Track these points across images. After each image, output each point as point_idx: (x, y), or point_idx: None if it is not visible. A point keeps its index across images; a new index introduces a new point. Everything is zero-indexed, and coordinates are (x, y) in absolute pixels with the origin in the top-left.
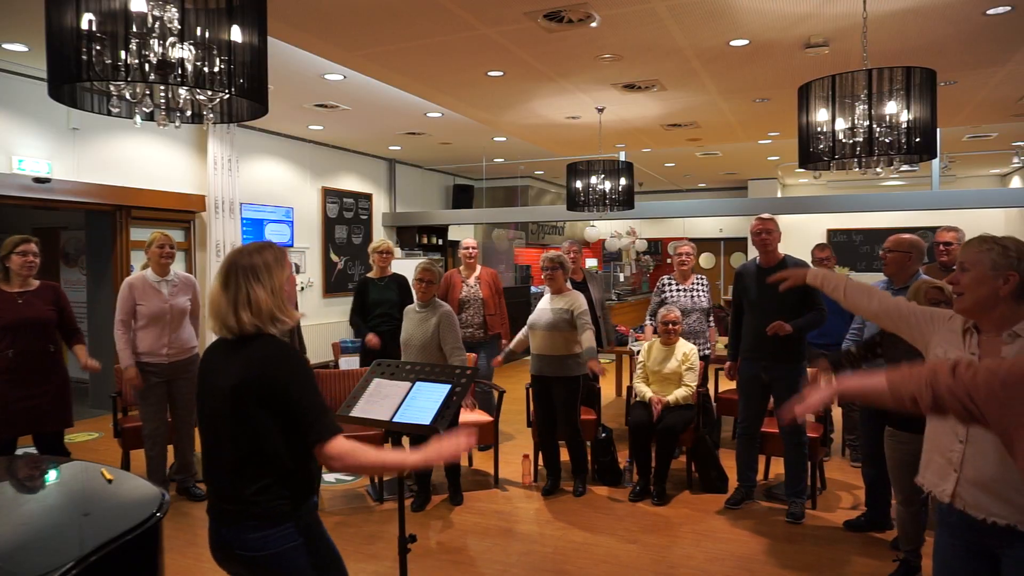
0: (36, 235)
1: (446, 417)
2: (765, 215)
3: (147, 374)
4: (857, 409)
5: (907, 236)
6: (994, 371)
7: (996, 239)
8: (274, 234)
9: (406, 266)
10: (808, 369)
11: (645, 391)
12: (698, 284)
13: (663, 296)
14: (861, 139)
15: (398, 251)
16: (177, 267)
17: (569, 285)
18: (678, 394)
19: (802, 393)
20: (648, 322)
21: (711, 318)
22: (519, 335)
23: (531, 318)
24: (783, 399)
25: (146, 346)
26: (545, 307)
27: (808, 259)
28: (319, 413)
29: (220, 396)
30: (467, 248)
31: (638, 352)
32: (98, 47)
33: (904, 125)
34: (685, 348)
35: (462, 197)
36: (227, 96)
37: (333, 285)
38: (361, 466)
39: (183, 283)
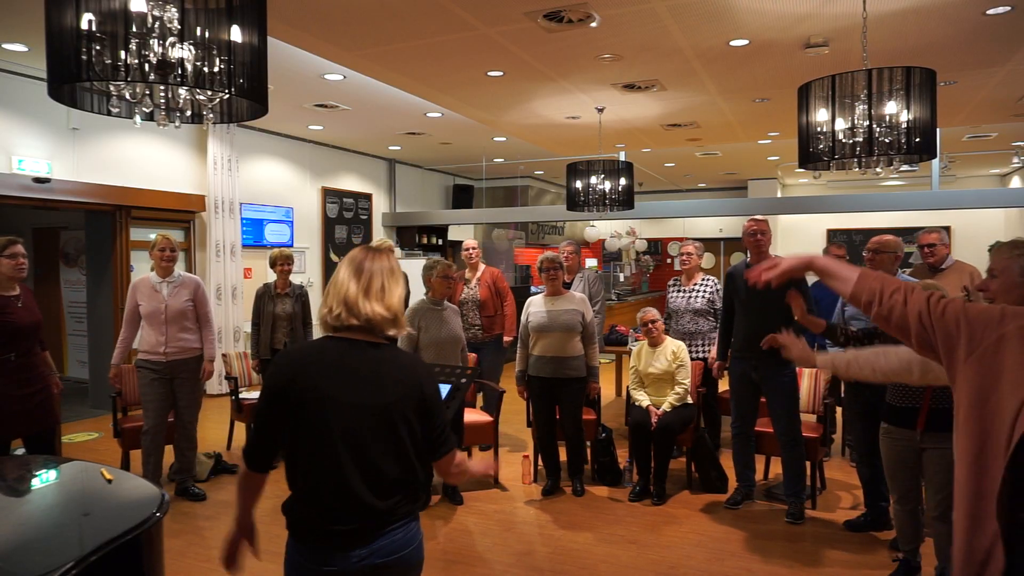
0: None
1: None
2: (758, 216)
3: (142, 371)
4: (854, 408)
5: (889, 237)
6: (957, 307)
7: (1022, 245)
8: (274, 234)
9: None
10: (804, 370)
11: (642, 399)
12: (702, 285)
13: (668, 297)
14: (861, 139)
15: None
16: (178, 267)
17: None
18: (672, 400)
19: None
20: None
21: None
22: (519, 352)
23: (538, 322)
24: (773, 399)
25: (146, 344)
26: (550, 309)
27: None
28: (448, 426)
29: (369, 412)
30: (468, 249)
31: None
32: (98, 47)
33: (904, 125)
34: (673, 346)
35: (462, 197)
36: (227, 96)
37: None
38: (463, 472)
39: (184, 284)
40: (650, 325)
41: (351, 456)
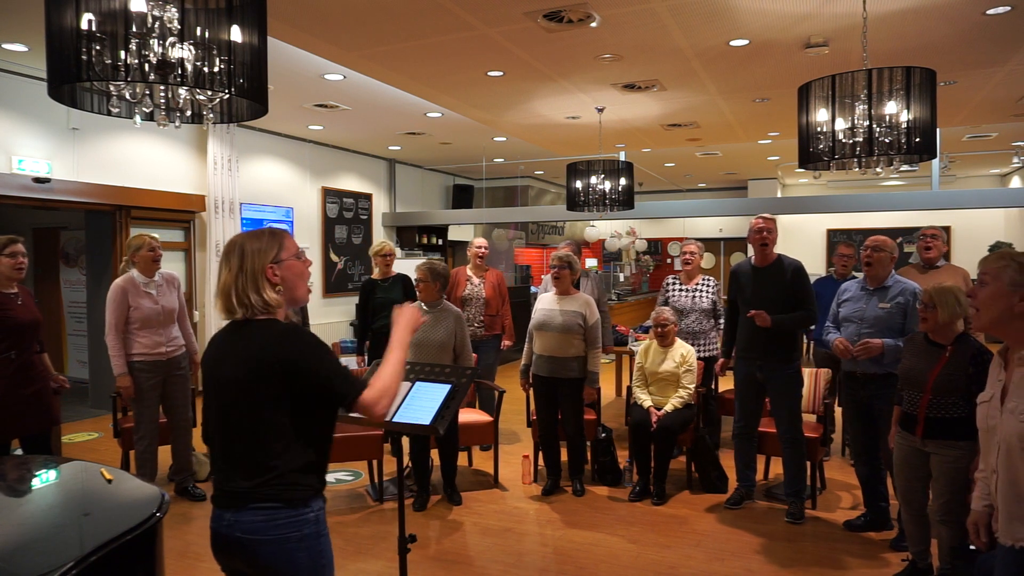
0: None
1: (446, 417)
2: (767, 214)
3: (144, 374)
4: (850, 409)
5: (885, 237)
6: None
7: (1014, 255)
8: None
9: (406, 266)
10: (805, 370)
11: (644, 399)
12: (703, 285)
13: (666, 296)
14: (861, 139)
15: (398, 251)
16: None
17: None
18: (675, 402)
19: None
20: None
21: (720, 319)
22: (525, 347)
23: (538, 319)
24: (777, 397)
25: (145, 348)
26: (552, 308)
27: (808, 259)
28: (343, 376)
29: (233, 385)
30: (479, 247)
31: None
32: (98, 47)
33: (904, 125)
34: (683, 350)
35: (462, 197)
36: (227, 96)
37: (333, 285)
38: (393, 389)
39: (168, 282)
40: (661, 329)
41: (224, 428)
